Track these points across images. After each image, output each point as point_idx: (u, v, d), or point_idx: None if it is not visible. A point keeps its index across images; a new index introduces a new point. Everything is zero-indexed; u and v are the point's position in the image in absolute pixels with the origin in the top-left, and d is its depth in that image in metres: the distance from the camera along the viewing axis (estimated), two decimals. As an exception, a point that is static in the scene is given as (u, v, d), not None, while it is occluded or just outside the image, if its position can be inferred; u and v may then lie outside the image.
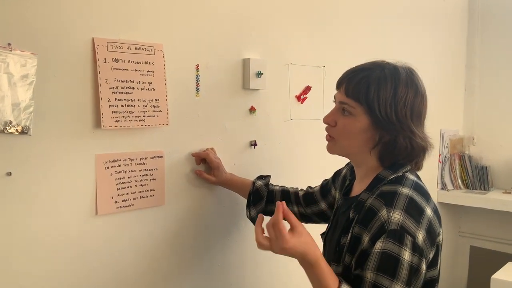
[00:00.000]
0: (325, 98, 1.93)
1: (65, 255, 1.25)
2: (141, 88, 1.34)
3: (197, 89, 1.51)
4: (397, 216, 1.05)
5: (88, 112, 1.26)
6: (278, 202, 1.06)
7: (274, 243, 1.04)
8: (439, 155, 2.86)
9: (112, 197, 1.33)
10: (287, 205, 1.57)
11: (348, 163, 1.44)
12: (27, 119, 1.13)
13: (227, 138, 1.62)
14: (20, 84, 1.11)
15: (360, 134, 1.16)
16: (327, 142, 1.24)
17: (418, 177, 1.19)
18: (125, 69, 1.30)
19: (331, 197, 1.48)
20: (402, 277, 1.03)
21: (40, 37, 1.16)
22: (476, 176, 2.97)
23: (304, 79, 1.86)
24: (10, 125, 1.10)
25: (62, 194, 1.23)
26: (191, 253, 1.56)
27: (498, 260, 2.50)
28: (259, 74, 1.64)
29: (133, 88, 1.32)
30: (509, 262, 2.30)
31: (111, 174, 1.32)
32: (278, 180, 1.67)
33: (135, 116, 1.33)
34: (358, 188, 1.24)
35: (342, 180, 1.41)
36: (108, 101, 1.27)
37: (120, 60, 1.29)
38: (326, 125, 1.23)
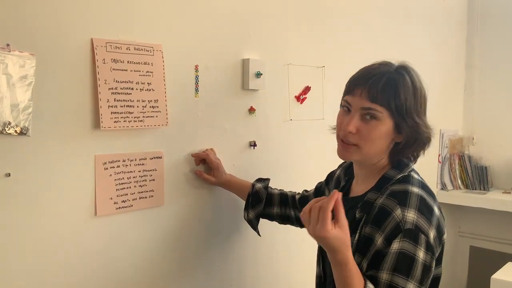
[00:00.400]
0: (324, 98, 1.94)
1: (64, 256, 1.25)
2: (140, 89, 1.34)
3: (197, 90, 1.51)
4: (411, 215, 1.06)
5: (87, 112, 1.26)
6: (335, 190, 1.01)
7: (313, 226, 1.00)
8: (439, 155, 2.86)
9: (112, 198, 1.32)
10: (285, 209, 1.59)
11: (342, 163, 1.43)
12: (26, 120, 1.13)
13: (227, 138, 1.62)
14: (19, 85, 1.11)
15: (385, 137, 1.15)
16: (342, 148, 1.17)
17: (420, 177, 1.20)
18: (124, 70, 1.30)
19: None
20: (416, 276, 1.03)
21: (39, 38, 1.15)
22: (475, 176, 2.97)
23: (304, 79, 1.86)
24: (9, 126, 1.10)
25: (61, 195, 1.23)
26: (191, 253, 1.55)
27: (498, 260, 2.50)
28: (258, 75, 1.63)
29: (132, 88, 1.32)
30: (509, 262, 2.30)
31: (110, 175, 1.32)
32: (277, 180, 1.67)
33: (134, 117, 1.33)
34: (359, 188, 1.24)
35: (336, 181, 1.41)
36: (107, 101, 1.27)
37: (119, 61, 1.29)
38: (345, 132, 1.15)
